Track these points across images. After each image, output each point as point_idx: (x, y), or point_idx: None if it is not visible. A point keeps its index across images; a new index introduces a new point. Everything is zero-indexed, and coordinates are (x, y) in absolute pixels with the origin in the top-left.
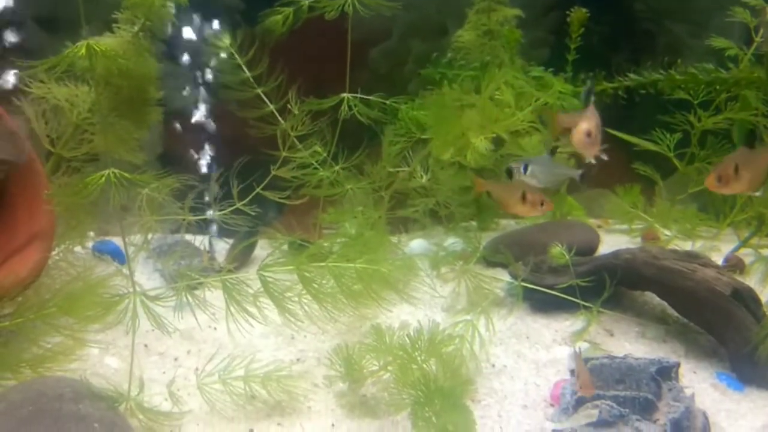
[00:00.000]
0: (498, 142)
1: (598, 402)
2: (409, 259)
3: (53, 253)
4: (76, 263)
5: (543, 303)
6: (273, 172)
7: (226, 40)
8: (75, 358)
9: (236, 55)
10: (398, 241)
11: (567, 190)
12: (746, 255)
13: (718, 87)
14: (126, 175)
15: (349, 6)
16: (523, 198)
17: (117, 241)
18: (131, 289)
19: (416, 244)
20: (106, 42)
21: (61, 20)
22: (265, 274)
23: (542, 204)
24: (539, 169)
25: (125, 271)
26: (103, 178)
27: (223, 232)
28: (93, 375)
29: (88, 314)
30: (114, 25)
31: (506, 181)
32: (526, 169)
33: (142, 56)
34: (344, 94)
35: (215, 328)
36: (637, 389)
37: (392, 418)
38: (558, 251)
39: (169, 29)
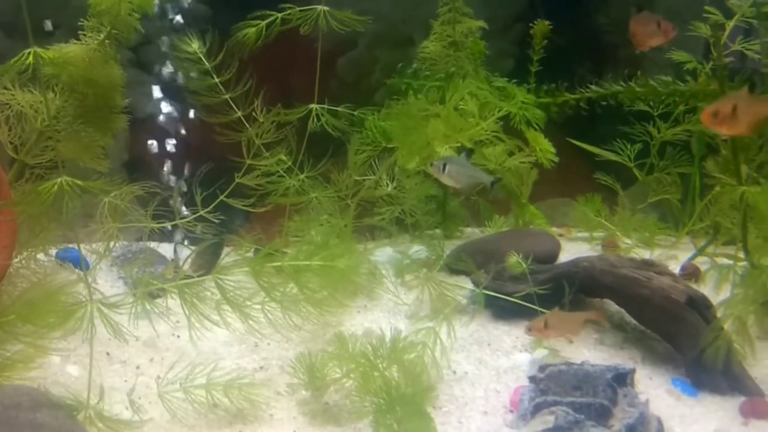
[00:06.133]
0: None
1: (554, 408)
2: (373, 265)
3: (15, 260)
4: (38, 271)
5: (504, 310)
6: (237, 180)
7: (194, 45)
8: (35, 366)
9: (204, 60)
10: (364, 248)
11: (529, 200)
12: (703, 263)
13: (676, 99)
14: (79, 182)
15: (321, 19)
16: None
17: None
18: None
19: (381, 252)
20: (71, 49)
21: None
22: (222, 277)
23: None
24: (456, 168)
25: (89, 278)
26: (56, 186)
27: (190, 240)
28: (53, 383)
29: (48, 322)
30: (80, 32)
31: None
32: (444, 167)
33: (107, 64)
34: (312, 105)
35: (178, 336)
36: (594, 395)
37: (354, 425)
38: (515, 260)
39: (136, 37)
